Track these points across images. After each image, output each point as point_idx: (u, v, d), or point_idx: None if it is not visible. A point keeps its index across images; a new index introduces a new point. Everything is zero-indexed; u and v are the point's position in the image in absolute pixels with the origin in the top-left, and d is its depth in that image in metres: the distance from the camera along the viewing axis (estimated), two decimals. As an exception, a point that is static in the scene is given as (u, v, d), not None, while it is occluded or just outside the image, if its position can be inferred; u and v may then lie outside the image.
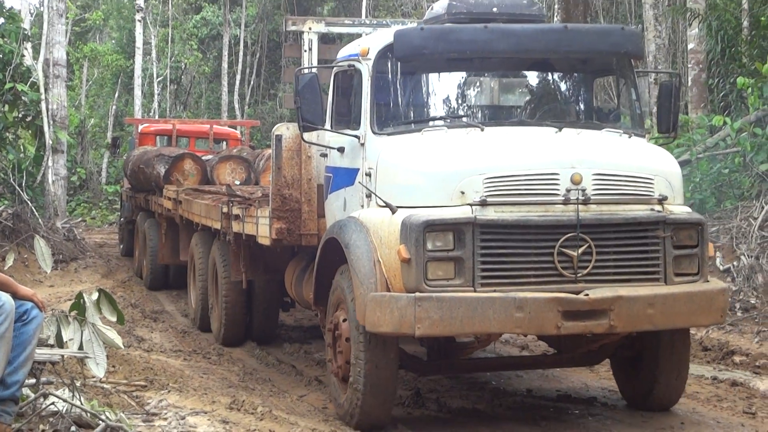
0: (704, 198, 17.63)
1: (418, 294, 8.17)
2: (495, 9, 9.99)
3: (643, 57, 10.72)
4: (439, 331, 8.26)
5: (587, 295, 8.27)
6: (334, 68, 10.58)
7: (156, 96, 46.62)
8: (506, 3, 10.12)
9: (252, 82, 48.05)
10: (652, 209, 8.72)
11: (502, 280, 8.35)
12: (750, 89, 17.99)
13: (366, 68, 9.68)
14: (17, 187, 22.38)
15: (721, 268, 15.11)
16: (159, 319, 15.70)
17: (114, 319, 8.45)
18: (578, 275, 8.40)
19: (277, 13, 47.49)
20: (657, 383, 9.56)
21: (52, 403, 7.31)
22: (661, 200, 8.78)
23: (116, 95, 50.07)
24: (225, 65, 44.96)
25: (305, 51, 13.23)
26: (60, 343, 7.80)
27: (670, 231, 8.65)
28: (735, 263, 14.99)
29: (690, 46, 22.52)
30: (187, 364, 11.86)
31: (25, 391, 7.28)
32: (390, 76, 9.58)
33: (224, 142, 25.16)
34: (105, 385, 8.74)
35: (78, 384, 7.77)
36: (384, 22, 13.46)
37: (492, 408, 9.87)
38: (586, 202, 8.47)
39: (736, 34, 21.12)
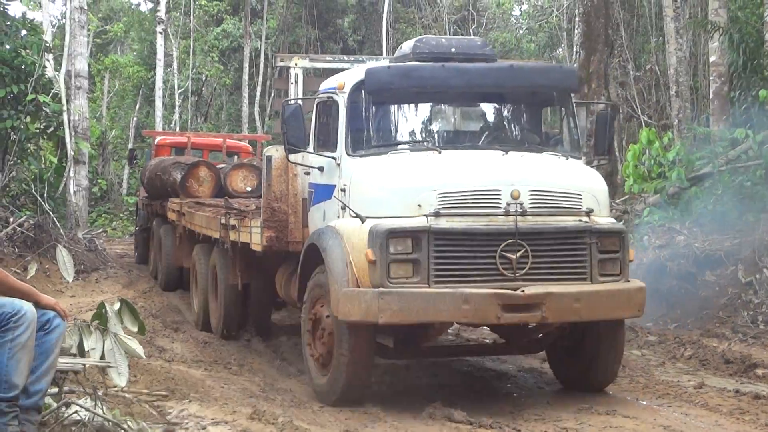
0: (726, 211, 17.57)
1: (381, 289, 9.71)
2: (453, 49, 11.61)
3: (579, 91, 12.70)
4: (399, 319, 9.76)
5: (523, 291, 9.71)
6: (317, 99, 12.10)
7: (177, 108, 46.76)
8: (463, 44, 11.91)
9: (272, 94, 48.14)
10: (580, 220, 10.29)
11: (452, 279, 9.86)
12: (772, 102, 17.95)
13: (342, 100, 11.21)
14: (39, 198, 22.48)
15: (744, 281, 15.05)
16: (180, 329, 15.71)
17: (135, 329, 8.47)
18: (516, 275, 9.89)
19: (297, 25, 47.64)
20: (595, 367, 11.06)
21: (75, 412, 7.31)
22: (588, 212, 10.34)
23: (137, 107, 50.29)
24: (246, 77, 45.09)
25: (292, 83, 14.35)
26: (82, 352, 7.81)
27: (596, 238, 10.20)
28: (757, 276, 14.94)
29: (711, 58, 22.46)
30: (207, 374, 11.86)
31: (48, 400, 7.28)
32: (362, 106, 11.16)
33: (236, 155, 25.83)
34: (126, 395, 8.74)
35: (100, 393, 7.78)
36: (360, 59, 15.15)
37: (512, 419, 9.84)
38: (523, 213, 9.99)
39: (758, 47, 21.04)
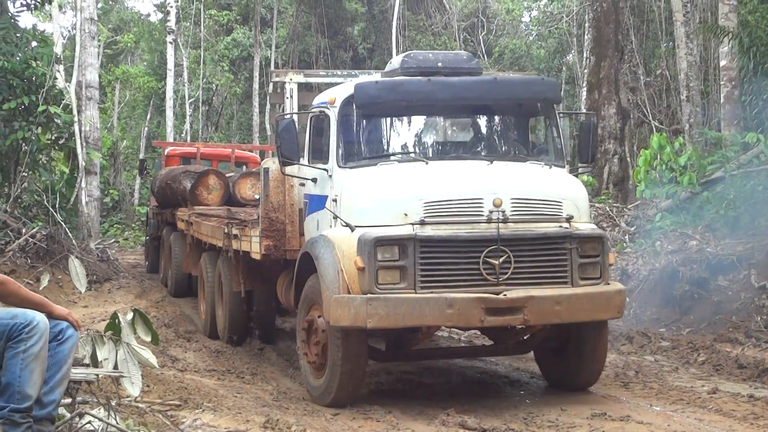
0: (738, 215, 17.53)
1: (369, 295, 10.12)
2: (440, 64, 12.07)
3: (561, 102, 13.27)
4: (386, 324, 10.17)
5: (505, 295, 10.18)
6: (310, 113, 12.53)
7: (188, 117, 46.84)
8: (449, 58, 12.39)
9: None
10: (561, 226, 10.71)
11: (438, 284, 10.27)
12: (783, 105, 17.91)
13: (333, 114, 11.66)
14: (51, 209, 22.48)
15: (756, 285, 15.00)
16: (192, 339, 15.75)
17: (148, 339, 8.47)
18: (499, 279, 10.30)
19: (307, 33, 47.67)
20: (580, 367, 11.52)
21: (88, 423, 7.32)
22: (569, 219, 10.76)
23: (148, 117, 50.37)
24: (256, 86, 45.10)
25: (287, 98, 15.01)
26: (95, 362, 7.81)
27: (576, 243, 10.61)
28: (771, 280, 14.89)
29: (722, 63, 22.40)
30: (220, 384, 11.87)
31: (61, 410, 7.28)
32: (352, 120, 11.67)
33: (245, 165, 26.33)
34: (140, 405, 8.73)
35: (113, 403, 7.79)
36: (353, 73, 15.78)
37: (526, 425, 9.83)
38: (505, 221, 10.42)
39: (769, 51, 20.99)
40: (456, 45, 45.80)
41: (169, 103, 43.45)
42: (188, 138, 44.82)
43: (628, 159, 28.72)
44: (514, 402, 11.16)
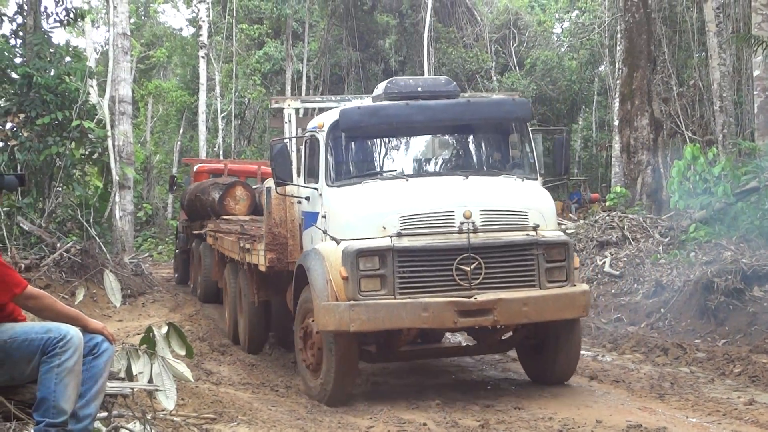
0: (773, 225, 17.43)
1: (351, 302, 11.13)
2: (420, 88, 13.18)
3: (531, 120, 13.78)
4: (367, 327, 11.14)
5: (476, 298, 11.12)
6: (304, 137, 13.61)
7: (220, 131, 46.99)
8: (428, 83, 13.46)
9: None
10: (527, 234, 11.66)
11: (415, 290, 11.27)
12: (818, 115, 17.79)
13: (322, 137, 12.78)
14: (85, 223, 22.61)
15: (791, 295, 14.90)
16: (227, 352, 15.77)
17: (183, 352, 8.50)
18: (471, 284, 11.28)
19: (339, 47, 47.75)
20: (556, 363, 12.56)
21: (124, 436, 7.33)
22: (535, 227, 11.71)
23: (181, 131, 50.59)
24: (288, 100, 45.11)
25: (286, 123, 15.78)
26: (130, 376, 7.84)
27: (542, 249, 11.58)
28: (806, 290, 14.79)
29: (755, 73, 22.31)
30: (255, 397, 11.89)
31: (97, 424, 7.28)
32: (339, 143, 12.76)
33: None
34: (175, 418, 8.74)
35: (149, 417, 7.80)
36: (347, 98, 16.62)
37: (562, 439, 9.79)
38: (475, 231, 11.42)
39: (802, 60, 20.88)
40: (488, 57, 45.82)
41: (201, 117, 43.65)
42: (221, 152, 45.02)
43: (662, 170, 28.59)
44: (548, 414, 11.11)
